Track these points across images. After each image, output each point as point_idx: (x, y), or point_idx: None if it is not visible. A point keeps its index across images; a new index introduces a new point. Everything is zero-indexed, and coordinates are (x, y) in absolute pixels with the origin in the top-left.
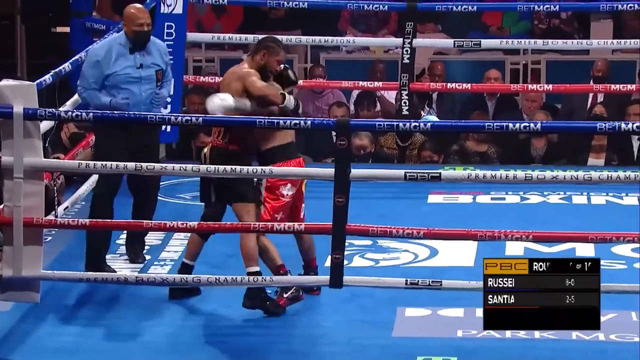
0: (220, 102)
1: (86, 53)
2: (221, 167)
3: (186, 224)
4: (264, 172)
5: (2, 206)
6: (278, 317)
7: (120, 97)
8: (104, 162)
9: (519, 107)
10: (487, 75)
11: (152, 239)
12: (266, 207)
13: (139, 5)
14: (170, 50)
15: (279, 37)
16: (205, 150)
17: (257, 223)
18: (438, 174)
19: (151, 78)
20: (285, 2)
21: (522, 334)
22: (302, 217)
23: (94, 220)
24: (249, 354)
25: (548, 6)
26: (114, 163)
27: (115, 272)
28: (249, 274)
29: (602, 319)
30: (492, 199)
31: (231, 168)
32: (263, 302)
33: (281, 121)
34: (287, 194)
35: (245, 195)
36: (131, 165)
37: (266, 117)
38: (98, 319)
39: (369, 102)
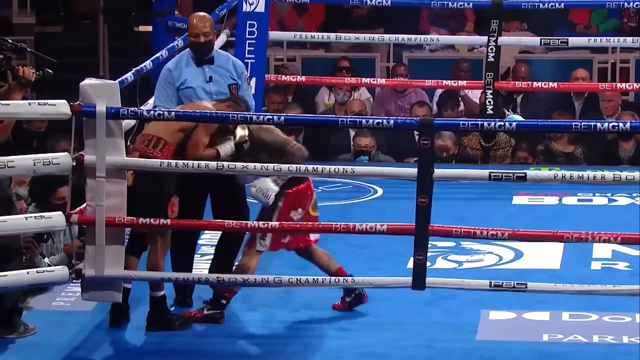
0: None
1: (167, 52)
2: (303, 167)
3: (267, 224)
4: (346, 171)
5: (84, 205)
6: (365, 318)
7: None
8: (185, 162)
9: None
10: (574, 74)
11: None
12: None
13: (200, 14)
14: (252, 49)
15: (361, 35)
16: None
17: (339, 224)
18: (523, 175)
19: (224, 93)
20: (368, 0)
21: (609, 338)
22: (313, 239)
23: (176, 219)
24: (330, 355)
25: (638, 3)
26: (195, 162)
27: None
28: (154, 298)
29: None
30: (578, 200)
31: (313, 167)
32: (167, 323)
33: (363, 121)
34: (296, 219)
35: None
36: (212, 164)
37: (347, 117)
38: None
39: (453, 102)
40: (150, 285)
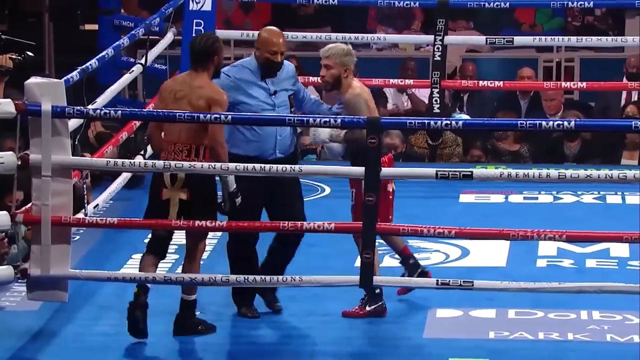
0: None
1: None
2: (250, 166)
3: (215, 223)
4: (294, 170)
5: (30, 205)
6: (289, 320)
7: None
8: (131, 161)
9: None
10: (520, 73)
11: (182, 238)
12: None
13: (274, 29)
14: None
15: (309, 34)
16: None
17: (287, 223)
18: (470, 173)
19: (285, 104)
20: None
21: (555, 335)
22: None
23: (122, 219)
24: (278, 353)
25: (582, 3)
26: (142, 161)
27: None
28: (185, 301)
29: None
30: (524, 198)
31: (261, 166)
32: (194, 327)
33: (311, 119)
34: (391, 190)
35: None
36: (159, 163)
37: (296, 116)
38: (126, 318)
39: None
40: (182, 288)
